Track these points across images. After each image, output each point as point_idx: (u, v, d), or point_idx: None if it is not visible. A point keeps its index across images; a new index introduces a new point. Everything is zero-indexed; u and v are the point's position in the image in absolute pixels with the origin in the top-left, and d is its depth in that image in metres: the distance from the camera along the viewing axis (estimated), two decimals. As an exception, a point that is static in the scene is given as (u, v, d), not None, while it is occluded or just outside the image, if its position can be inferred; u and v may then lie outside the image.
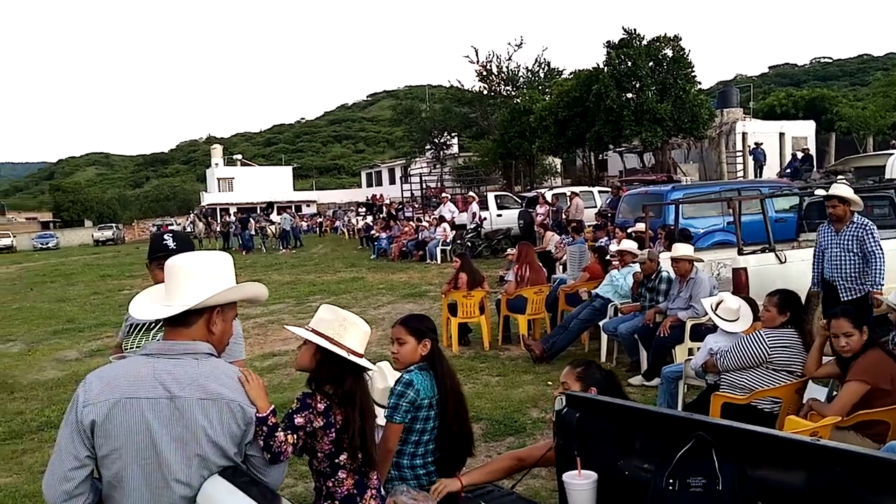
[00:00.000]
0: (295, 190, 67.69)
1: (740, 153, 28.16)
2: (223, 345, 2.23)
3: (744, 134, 28.50)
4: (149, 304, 2.21)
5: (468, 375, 7.24)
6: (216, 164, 66.75)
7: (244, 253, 28.25)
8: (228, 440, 2.04)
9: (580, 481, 2.30)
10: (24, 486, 5.09)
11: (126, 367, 2.10)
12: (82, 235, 57.10)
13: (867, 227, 6.08)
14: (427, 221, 22.58)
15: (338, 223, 37.95)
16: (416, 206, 30.88)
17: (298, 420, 2.24)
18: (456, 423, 3.13)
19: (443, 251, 18.73)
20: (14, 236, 54.64)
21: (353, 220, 33.57)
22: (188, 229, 48.94)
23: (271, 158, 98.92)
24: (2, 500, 4.88)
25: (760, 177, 24.40)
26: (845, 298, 6.16)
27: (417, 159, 43.10)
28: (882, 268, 6.11)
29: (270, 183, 63.54)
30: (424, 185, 34.10)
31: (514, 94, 34.52)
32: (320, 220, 42.91)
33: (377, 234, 23.99)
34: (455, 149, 42.16)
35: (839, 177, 14.09)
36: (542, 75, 34.55)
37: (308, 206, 59.88)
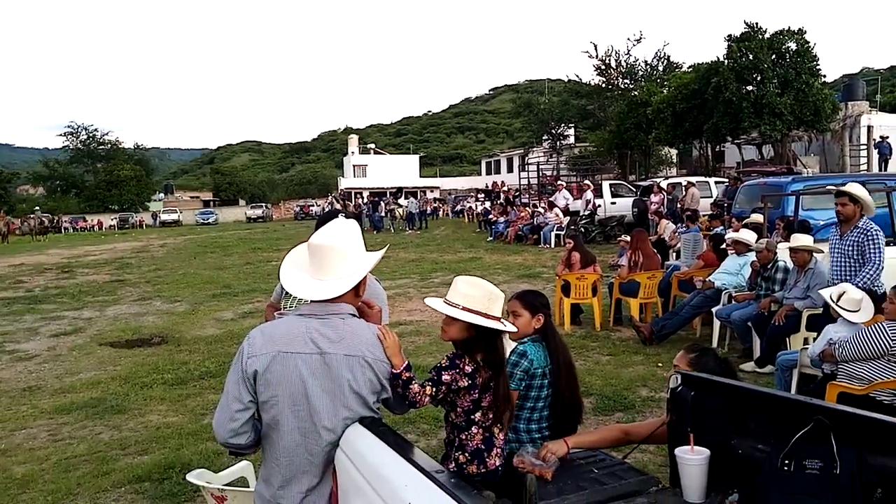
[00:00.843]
0: (421, 177, 68.83)
1: (864, 146, 25.86)
2: (357, 306, 2.32)
3: (869, 127, 26.12)
4: (306, 281, 2.23)
5: (579, 353, 7.14)
6: (352, 152, 68.98)
7: (374, 232, 29.11)
8: (368, 392, 2.13)
9: (693, 456, 2.21)
10: (187, 425, 5.52)
11: (283, 324, 2.22)
12: (237, 213, 60.87)
13: (870, 233, 5.41)
14: (542, 207, 22.34)
15: (458, 207, 38.31)
16: (532, 192, 30.61)
17: (445, 377, 2.28)
18: (567, 392, 3.11)
19: (557, 236, 18.48)
20: (181, 212, 59.12)
21: (473, 206, 33.73)
22: (327, 209, 50.98)
23: (400, 147, 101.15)
24: (169, 435, 5.30)
25: (885, 170, 22.36)
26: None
27: (535, 149, 42.64)
28: (874, 273, 5.35)
29: (399, 170, 64.95)
30: (541, 174, 33.72)
31: (631, 86, 33.37)
32: (437, 204, 43.40)
33: (494, 219, 23.99)
34: (571, 139, 41.36)
35: None
36: (661, 69, 33.17)
37: (432, 191, 60.75)
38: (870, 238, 5.41)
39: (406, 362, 2.20)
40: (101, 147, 64.77)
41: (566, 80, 39.28)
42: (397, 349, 2.19)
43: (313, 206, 57.51)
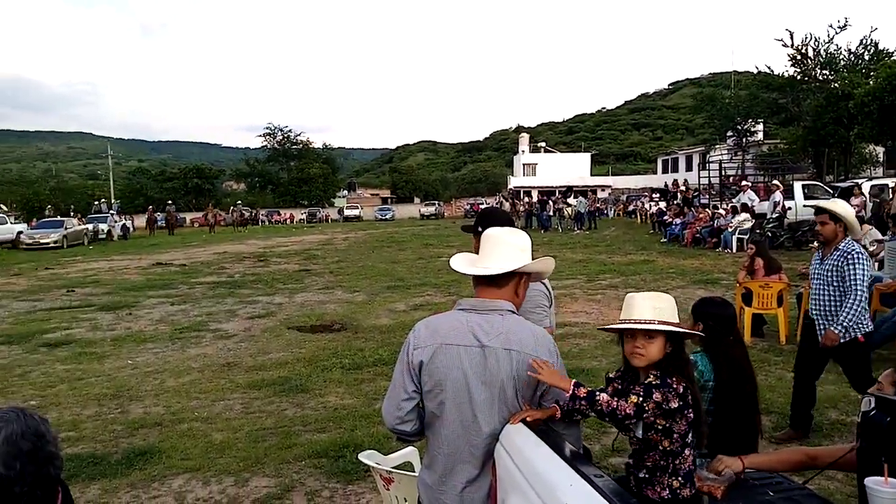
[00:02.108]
0: (592, 175, 67.46)
1: None
2: (519, 308, 2.34)
3: None
4: (468, 263, 2.38)
5: (760, 367, 6.63)
6: (522, 150, 69.22)
7: (542, 231, 29.02)
8: (526, 387, 2.15)
9: (887, 489, 1.99)
10: (361, 408, 5.88)
11: (446, 318, 2.31)
12: (412, 210, 63.52)
13: (851, 256, 4.53)
14: (723, 209, 20.98)
15: (631, 207, 37.04)
16: (713, 193, 28.82)
17: (656, 395, 2.15)
18: (739, 408, 2.92)
19: (739, 240, 17.26)
20: (361, 208, 62.86)
21: (646, 205, 32.44)
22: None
23: (571, 146, 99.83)
24: (345, 416, 5.68)
25: None
26: (823, 342, 4.61)
27: (717, 146, 40.07)
28: (855, 309, 4.48)
29: (569, 168, 64.14)
30: (723, 173, 31.64)
31: (831, 77, 30.23)
32: (600, 205, 42.18)
33: (670, 220, 22.93)
34: (759, 136, 38.37)
35: None
36: (866, 57, 29.71)
37: (603, 190, 59.32)
38: (850, 262, 4.52)
39: (572, 381, 2.11)
40: (294, 147, 70.51)
41: (755, 71, 36.46)
42: (556, 374, 2.12)
43: (482, 204, 58.48)
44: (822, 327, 4.70)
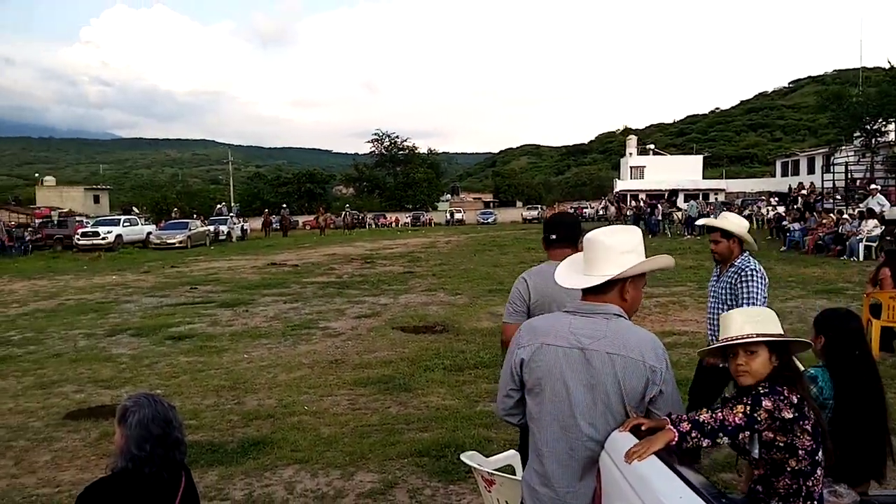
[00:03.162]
0: (704, 178, 64.69)
1: None
2: (633, 309, 2.28)
3: None
4: (571, 274, 2.36)
5: (889, 384, 6.11)
6: (630, 153, 67.40)
7: (650, 236, 28.11)
8: (629, 392, 2.08)
9: None
10: (462, 409, 5.91)
11: (548, 319, 2.31)
12: (514, 214, 63.31)
13: (745, 274, 4.12)
14: (849, 214, 19.54)
15: (746, 212, 35.16)
16: (838, 197, 26.91)
17: (766, 403, 2.05)
18: (864, 428, 2.71)
19: (867, 248, 16.03)
20: (464, 212, 63.32)
21: (763, 210, 30.74)
22: (600, 212, 50.54)
23: (682, 147, 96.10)
24: (447, 416, 5.73)
25: None
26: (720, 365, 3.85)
27: (843, 148, 37.33)
28: None
29: (680, 171, 61.78)
30: (849, 176, 29.47)
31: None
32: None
33: (789, 225, 21.62)
34: (891, 136, 35.41)
35: None
36: None
37: (716, 194, 56.72)
38: (744, 279, 4.11)
39: (668, 424, 1.98)
40: (400, 152, 72.05)
41: (887, 66, 33.74)
42: (656, 440, 1.94)
43: (587, 208, 57.44)
44: None
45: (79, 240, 31.23)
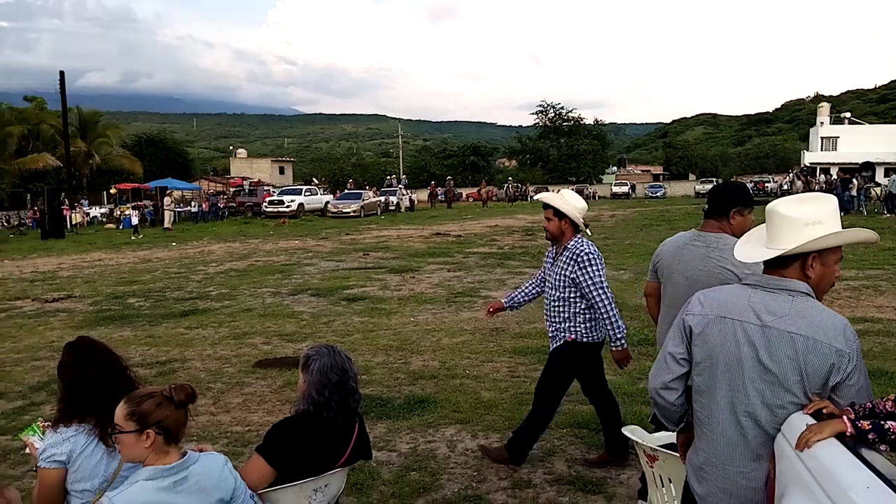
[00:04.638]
0: (911, 150, 57.13)
1: None
2: (822, 289, 2.10)
3: None
4: (749, 245, 2.23)
5: None
6: (821, 122, 61.05)
7: (842, 214, 25.37)
8: (811, 376, 1.94)
9: None
10: (624, 385, 5.77)
11: (726, 291, 2.19)
12: (686, 187, 60.09)
13: (580, 257, 3.98)
14: None
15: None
16: None
17: None
18: None
19: None
20: (631, 185, 61.12)
21: None
22: (785, 187, 46.61)
23: (884, 117, 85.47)
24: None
25: None
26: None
27: None
28: (613, 316, 3.97)
29: (881, 142, 55.02)
30: None
31: None
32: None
33: None
34: None
35: None
36: None
37: (926, 168, 49.93)
38: (580, 264, 3.97)
39: (848, 423, 1.76)
40: (565, 124, 70.81)
41: None
42: (825, 426, 1.77)
43: (769, 182, 53.03)
44: (556, 336, 4.15)
45: (266, 207, 34.34)
